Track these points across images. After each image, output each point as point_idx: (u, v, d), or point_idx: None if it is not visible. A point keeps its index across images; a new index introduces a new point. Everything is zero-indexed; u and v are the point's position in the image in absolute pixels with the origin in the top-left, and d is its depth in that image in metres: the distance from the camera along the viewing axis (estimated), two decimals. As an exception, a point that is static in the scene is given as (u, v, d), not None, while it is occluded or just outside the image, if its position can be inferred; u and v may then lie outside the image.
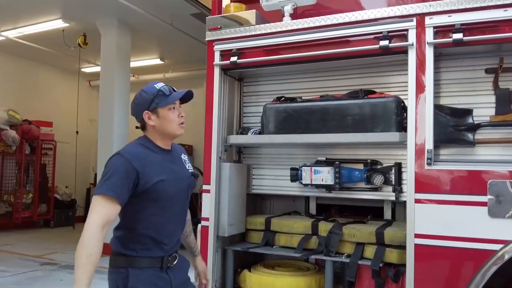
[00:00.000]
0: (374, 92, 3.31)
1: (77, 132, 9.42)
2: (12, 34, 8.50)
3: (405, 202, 2.98)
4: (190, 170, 2.37)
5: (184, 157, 2.40)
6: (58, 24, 7.96)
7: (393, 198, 3.26)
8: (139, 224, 2.12)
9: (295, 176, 3.50)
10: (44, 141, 10.25)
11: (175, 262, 2.23)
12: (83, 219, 11.10)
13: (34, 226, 10.20)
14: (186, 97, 2.29)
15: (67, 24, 7.97)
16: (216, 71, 3.55)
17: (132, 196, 2.07)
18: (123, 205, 2.04)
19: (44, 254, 7.49)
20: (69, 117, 10.34)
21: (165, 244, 2.17)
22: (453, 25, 2.83)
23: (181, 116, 2.25)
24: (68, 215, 10.66)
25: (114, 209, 2.01)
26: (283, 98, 3.61)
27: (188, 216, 2.49)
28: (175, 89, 2.26)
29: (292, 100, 3.54)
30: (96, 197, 2.00)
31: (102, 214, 1.97)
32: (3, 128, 9.38)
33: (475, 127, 3.03)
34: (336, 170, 3.33)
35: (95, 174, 8.68)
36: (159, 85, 2.22)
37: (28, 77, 10.62)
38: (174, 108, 2.22)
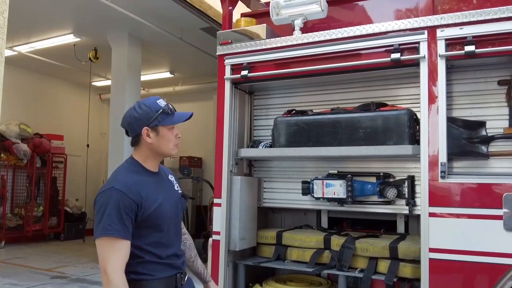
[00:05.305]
0: (385, 105, 3.30)
1: (87, 146, 9.48)
2: (25, 49, 8.63)
3: (418, 215, 2.96)
4: (179, 191, 2.28)
5: (172, 178, 2.30)
6: (69, 39, 8.07)
7: (407, 212, 3.22)
8: (140, 252, 2.02)
9: (307, 189, 3.48)
10: (55, 155, 10.33)
11: (186, 279, 2.18)
12: (93, 232, 11.12)
13: (44, 239, 10.24)
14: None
15: (78, 39, 8.08)
16: (227, 85, 3.56)
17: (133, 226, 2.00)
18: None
19: (55, 267, 7.50)
20: (80, 131, 10.44)
21: (173, 264, 2.11)
22: (465, 38, 2.82)
23: (178, 137, 2.17)
24: (78, 228, 10.69)
25: (126, 248, 1.93)
26: (294, 111, 3.61)
27: (190, 241, 2.41)
28: (173, 107, 2.18)
29: (303, 113, 3.54)
30: (102, 240, 1.91)
31: (119, 258, 1.90)
32: (14, 142, 9.46)
33: (488, 140, 3.00)
34: (348, 183, 3.30)
35: (105, 187, 8.70)
36: (162, 102, 2.12)
37: (40, 91, 10.75)
38: (173, 128, 2.15)
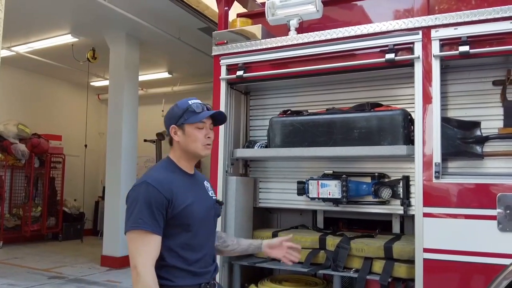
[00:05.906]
0: (380, 105, 3.31)
1: (85, 146, 9.48)
2: (23, 49, 8.61)
3: (413, 215, 2.95)
4: (214, 198, 2.26)
5: (207, 184, 2.29)
6: (67, 39, 8.06)
7: (401, 212, 3.22)
8: (167, 253, 1.98)
9: (302, 189, 3.48)
10: (53, 155, 10.32)
11: None
12: (91, 232, 11.16)
13: (42, 239, 10.23)
14: (219, 119, 2.22)
15: (76, 39, 8.07)
16: (223, 85, 3.56)
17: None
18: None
19: (53, 267, 7.49)
20: (78, 131, 10.43)
21: (198, 272, 2.05)
22: (459, 38, 2.82)
23: (208, 137, 2.14)
24: (77, 228, 10.68)
25: (157, 243, 1.92)
26: (289, 112, 3.61)
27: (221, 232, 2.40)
28: (209, 107, 2.15)
29: (299, 113, 3.54)
30: (132, 233, 1.90)
31: (148, 253, 1.89)
32: (12, 142, 9.45)
33: (483, 140, 3.00)
34: (343, 183, 3.30)
35: (104, 187, 8.73)
36: (192, 101, 2.12)
37: (38, 91, 10.74)
38: (203, 127, 2.12)
